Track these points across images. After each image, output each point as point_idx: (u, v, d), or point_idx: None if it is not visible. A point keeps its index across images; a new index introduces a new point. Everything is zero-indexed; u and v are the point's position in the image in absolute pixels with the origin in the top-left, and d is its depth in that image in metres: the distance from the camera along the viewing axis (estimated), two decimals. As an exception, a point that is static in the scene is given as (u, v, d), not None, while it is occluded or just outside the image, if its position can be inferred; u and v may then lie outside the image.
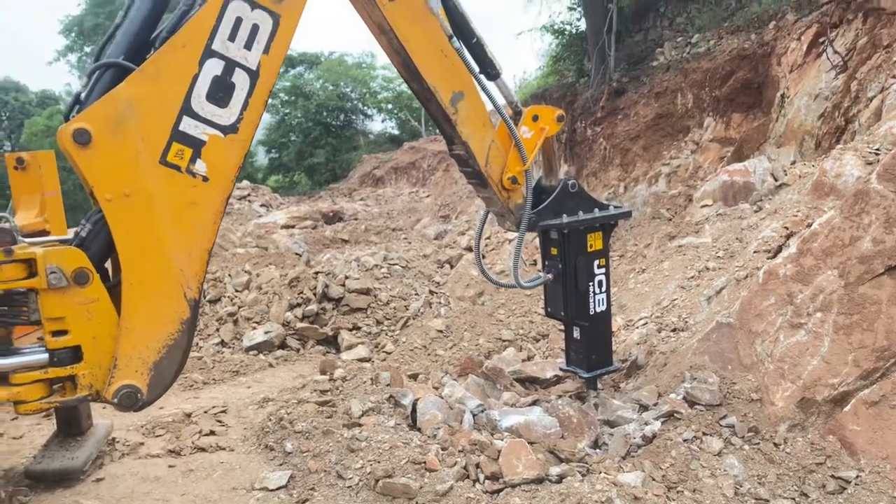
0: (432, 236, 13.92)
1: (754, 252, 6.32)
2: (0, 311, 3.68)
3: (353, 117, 44.60)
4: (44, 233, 4.61)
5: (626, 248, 10.60)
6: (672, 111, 14.56)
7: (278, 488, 4.45)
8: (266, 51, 3.84)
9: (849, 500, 4.15)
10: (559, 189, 5.17)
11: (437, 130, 5.21)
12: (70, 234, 4.09)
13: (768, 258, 5.90)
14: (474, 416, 5.26)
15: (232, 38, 3.75)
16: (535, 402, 5.41)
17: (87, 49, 41.00)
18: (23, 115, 44.07)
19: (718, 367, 5.25)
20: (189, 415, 5.68)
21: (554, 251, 5.38)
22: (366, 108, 44.63)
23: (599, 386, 5.61)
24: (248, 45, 3.80)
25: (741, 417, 4.84)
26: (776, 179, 8.30)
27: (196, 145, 3.68)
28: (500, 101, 5.09)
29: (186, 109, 3.65)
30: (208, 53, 3.68)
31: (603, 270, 5.35)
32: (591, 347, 5.42)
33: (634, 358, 6.11)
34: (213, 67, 3.70)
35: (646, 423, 4.88)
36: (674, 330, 6.23)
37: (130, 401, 3.72)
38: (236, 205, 21.29)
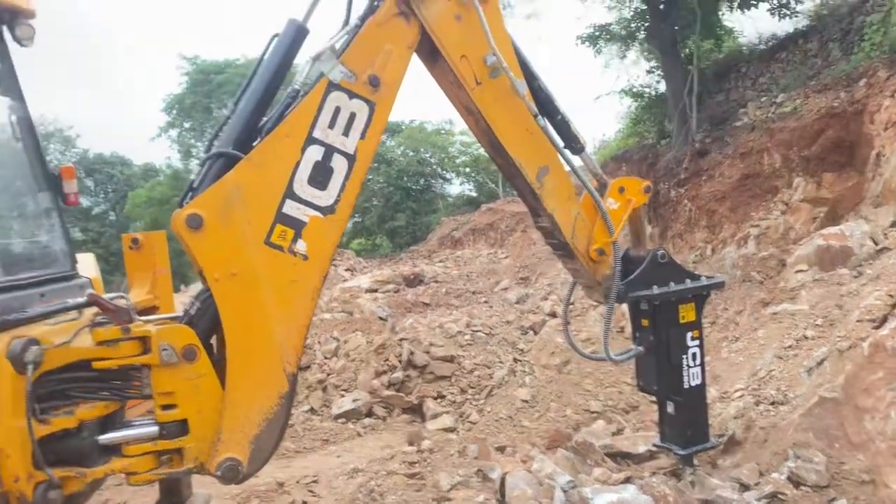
0: (514, 300, 13.89)
1: (857, 321, 6.02)
2: (115, 386, 3.89)
3: (433, 181, 45.61)
4: (154, 309, 4.87)
5: (717, 313, 10.27)
6: (759, 171, 14.23)
7: (371, 564, 4.46)
8: (363, 136, 4.05)
9: None
10: (649, 259, 5.10)
11: (515, 192, 5.24)
12: (178, 311, 4.30)
13: (873, 328, 5.62)
14: (565, 492, 5.14)
15: (332, 125, 3.97)
16: (628, 480, 5.25)
17: (186, 125, 43.87)
18: (127, 188, 47.11)
19: (824, 445, 4.99)
20: (282, 484, 5.80)
21: (645, 323, 5.27)
22: (444, 171, 45.59)
23: (696, 463, 5.40)
24: (346, 132, 4.02)
25: (852, 500, 4.56)
26: (876, 243, 7.93)
27: (298, 226, 3.85)
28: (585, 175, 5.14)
29: (289, 193, 3.84)
30: (310, 141, 3.88)
31: (696, 343, 5.19)
32: (686, 423, 5.22)
33: (732, 433, 5.86)
34: (314, 154, 3.90)
35: (748, 505, 4.65)
36: (773, 403, 5.96)
37: (233, 473, 3.81)
38: (322, 270, 22.01)
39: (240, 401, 3.79)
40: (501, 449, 6.41)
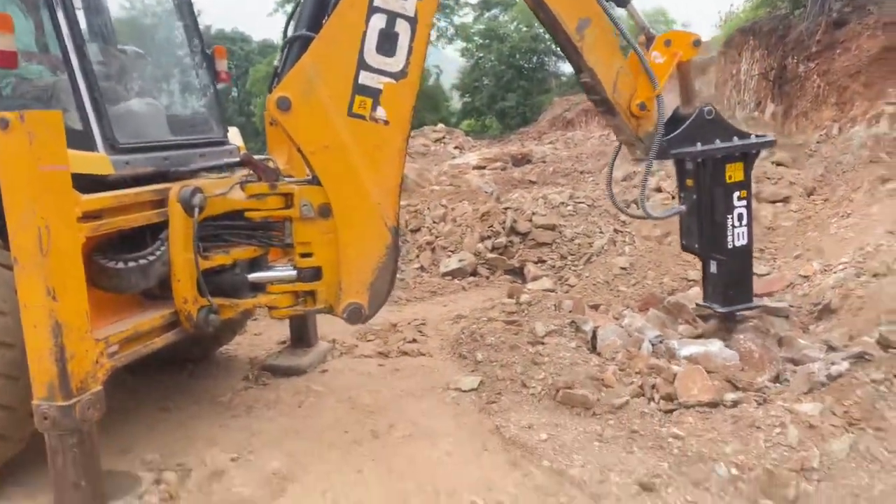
0: (621, 178, 13.82)
1: (978, 196, 5.79)
2: (262, 235, 4.51)
3: (546, 59, 44.09)
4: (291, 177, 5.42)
5: (835, 193, 9.91)
6: (903, 43, 13.00)
7: (470, 390, 5.05)
8: None
9: None
10: (695, 115, 5.00)
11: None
12: None
13: None
14: (653, 345, 5.49)
15: None
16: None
17: None
18: (247, 63, 48.71)
19: (921, 314, 5.01)
20: (395, 325, 6.49)
21: (689, 182, 5.26)
22: (558, 48, 43.98)
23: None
24: None
25: (941, 364, 4.62)
26: None
27: (374, 95, 4.14)
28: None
29: (362, 64, 4.10)
30: (372, 10, 4.06)
31: (744, 203, 5.12)
32: (728, 282, 5.27)
33: (828, 301, 5.93)
34: (378, 22, 4.09)
35: (832, 363, 4.81)
36: (875, 275, 5.93)
37: (356, 315, 4.41)
38: (432, 147, 22.40)
39: (353, 255, 4.29)
40: (595, 307, 6.77)
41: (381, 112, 4.17)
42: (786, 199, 9.27)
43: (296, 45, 4.25)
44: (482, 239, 8.84)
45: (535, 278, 8.27)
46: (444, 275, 8.37)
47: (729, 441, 3.96)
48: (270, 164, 4.52)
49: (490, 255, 8.65)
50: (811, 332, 5.74)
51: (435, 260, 8.65)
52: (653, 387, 4.73)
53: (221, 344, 5.89)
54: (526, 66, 43.31)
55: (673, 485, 3.71)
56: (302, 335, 5.89)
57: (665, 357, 5.26)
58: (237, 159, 4.90)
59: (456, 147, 22.65)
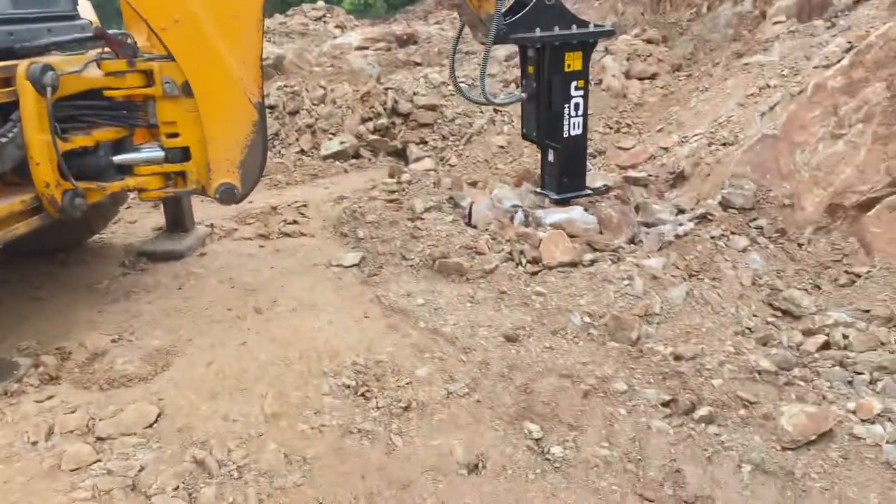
0: (503, 58, 13.88)
1: (814, 67, 6.32)
2: (125, 115, 4.33)
3: (430, -67, 42.32)
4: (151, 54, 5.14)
5: (698, 68, 10.45)
6: (768, -80, 13.40)
7: (352, 265, 5.23)
8: None
9: (856, 290, 4.58)
10: (535, 1, 5.02)
11: None
12: None
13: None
14: (526, 215, 5.81)
15: None
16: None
17: None
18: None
19: (758, 176, 5.56)
20: (275, 207, 6.50)
21: (531, 70, 5.29)
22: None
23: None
24: None
25: (771, 220, 5.22)
26: (857, -7, 7.92)
27: None
28: None
29: None
30: None
31: (581, 93, 5.25)
32: (562, 170, 5.48)
33: (682, 169, 6.44)
34: None
35: (680, 224, 5.32)
36: (724, 144, 6.44)
37: (229, 195, 4.38)
38: (311, 25, 21.31)
39: (217, 134, 4.21)
40: (473, 184, 7.02)
41: None
42: (653, 76, 9.70)
43: None
44: (363, 121, 8.79)
45: (417, 159, 8.39)
46: (326, 157, 8.33)
47: (584, 294, 4.40)
48: (128, 41, 4.29)
49: (372, 137, 8.65)
50: (666, 198, 6.24)
51: (315, 143, 8.55)
52: (521, 252, 5.07)
53: (94, 232, 5.72)
54: (410, -61, 41.38)
55: (534, 335, 4.11)
56: (178, 220, 5.80)
57: (533, 226, 5.62)
58: (89, 34, 4.60)
59: (337, 26, 21.67)
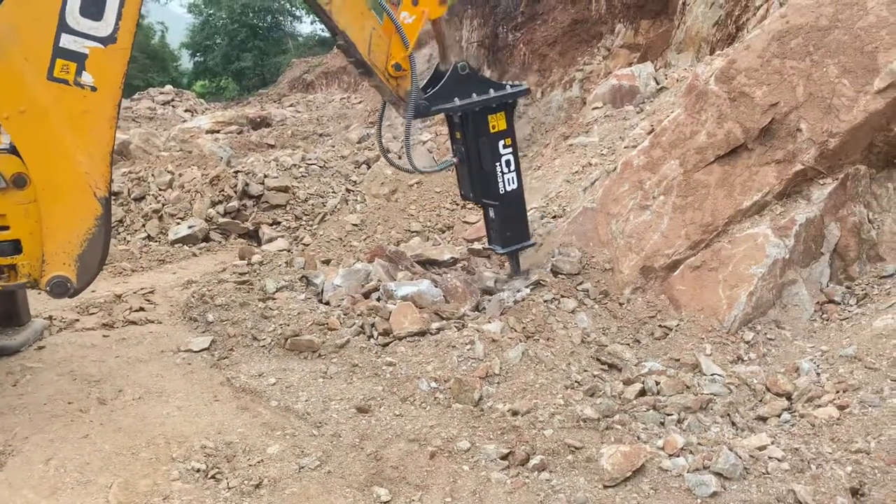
0: (356, 140, 14.39)
1: (624, 147, 7.19)
2: None
3: (281, 18, 43.23)
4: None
5: (533, 149, 11.40)
6: (587, 17, 15.10)
7: (201, 350, 5.20)
8: None
9: (670, 342, 5.18)
10: (449, 73, 5.33)
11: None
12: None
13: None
14: (376, 289, 6.06)
15: None
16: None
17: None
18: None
19: (582, 245, 6.18)
20: (119, 295, 6.33)
21: (458, 135, 5.58)
22: (294, 8, 43.27)
23: (525, 268, 5.99)
24: None
25: (595, 283, 5.80)
26: (658, 83, 9.13)
27: (79, 59, 4.01)
28: None
29: (63, 26, 3.94)
30: None
31: (510, 150, 5.52)
32: (504, 225, 5.74)
33: (518, 241, 6.99)
34: None
35: (517, 290, 5.78)
36: (554, 216, 7.11)
37: (62, 289, 4.28)
38: (159, 110, 21.05)
39: (56, 227, 4.16)
40: (327, 262, 7.21)
41: (87, 77, 4.05)
42: (493, 156, 10.45)
43: None
44: (213, 204, 8.81)
45: (270, 240, 8.49)
46: (174, 242, 8.23)
47: (431, 361, 4.66)
48: None
49: (222, 220, 8.67)
50: (506, 267, 6.73)
51: (163, 228, 8.44)
52: (372, 325, 5.29)
53: (-86, 332, 5.31)
54: (260, 24, 42.06)
55: (385, 404, 4.30)
56: (11, 314, 5.50)
57: (384, 299, 5.87)
58: None
59: (187, 110, 21.53)
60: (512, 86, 5.59)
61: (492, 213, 5.77)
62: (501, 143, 5.47)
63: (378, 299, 5.89)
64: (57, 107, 4.02)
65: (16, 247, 4.17)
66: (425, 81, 5.45)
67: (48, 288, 4.23)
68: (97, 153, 4.22)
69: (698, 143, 5.80)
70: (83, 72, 4.04)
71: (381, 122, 5.98)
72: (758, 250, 5.22)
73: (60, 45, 3.95)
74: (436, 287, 5.89)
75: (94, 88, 4.09)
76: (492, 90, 5.41)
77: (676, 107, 7.51)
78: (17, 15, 3.87)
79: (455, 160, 5.63)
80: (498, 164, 5.49)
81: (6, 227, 4.13)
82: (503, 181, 5.56)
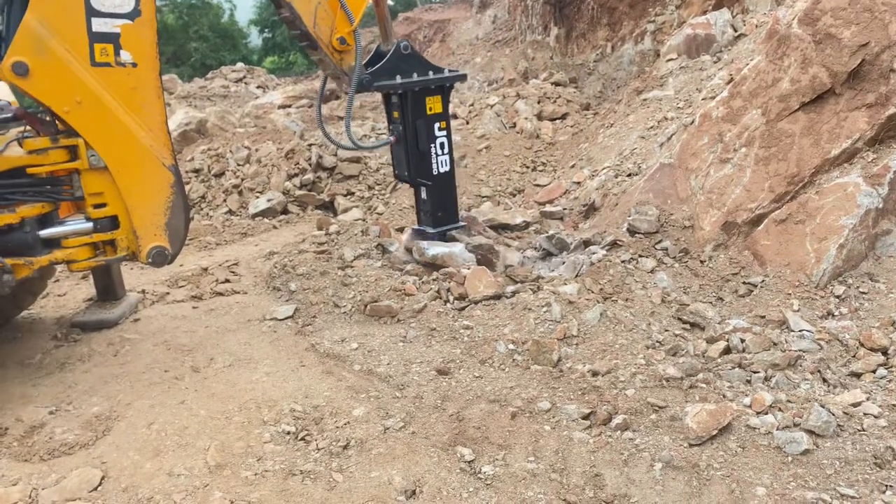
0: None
1: (702, 99, 6.92)
2: (47, 190, 4.43)
3: (346, -10, 43.38)
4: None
5: (605, 106, 11.12)
6: (658, -34, 14.48)
7: (286, 318, 5.38)
8: None
9: (755, 299, 5.02)
10: (392, 51, 5.41)
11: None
12: None
13: (711, 104, 6.51)
14: (409, 250, 6.03)
15: None
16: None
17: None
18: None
19: (660, 202, 6.03)
20: (206, 269, 6.60)
21: (396, 114, 5.65)
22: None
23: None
24: None
25: (674, 241, 5.66)
26: (735, 30, 8.70)
27: (113, 39, 4.13)
28: None
29: (91, 11, 4.06)
30: None
31: (444, 133, 5.64)
32: (436, 206, 5.82)
33: (592, 201, 6.89)
34: None
35: (592, 252, 5.70)
36: (629, 175, 6.95)
37: (161, 258, 4.52)
38: (232, 87, 21.57)
39: (137, 202, 4.37)
40: (401, 229, 7.29)
41: (125, 55, 4.18)
42: (563, 116, 10.29)
43: (16, 5, 4.06)
44: (290, 177, 9.02)
45: (345, 210, 8.64)
46: (255, 216, 8.49)
47: (507, 323, 4.68)
48: (47, 119, 4.43)
49: (299, 193, 8.87)
50: (580, 229, 6.65)
51: (243, 203, 8.71)
52: (448, 290, 5.34)
53: (22, 308, 5.70)
54: (326, -2, 42.27)
55: (464, 366, 4.35)
56: (108, 288, 5.85)
57: (416, 255, 5.87)
58: (10, 115, 4.72)
59: (259, 87, 21.99)
60: (450, 70, 5.69)
61: (424, 194, 5.87)
62: (437, 125, 5.58)
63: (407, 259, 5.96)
64: (108, 90, 4.15)
65: (114, 222, 4.41)
66: (366, 59, 5.47)
67: (150, 259, 4.46)
68: (154, 124, 4.37)
69: (781, 91, 5.52)
70: (121, 51, 4.17)
71: (320, 99, 6.04)
72: (848, 200, 4.96)
73: (94, 29, 4.07)
74: (468, 251, 5.84)
75: (134, 64, 4.22)
76: (431, 72, 5.51)
77: (756, 54, 7.17)
78: (46, 10, 3.97)
79: (392, 139, 5.70)
80: (433, 145, 5.60)
81: (104, 205, 4.36)
82: (437, 163, 5.67)
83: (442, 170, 5.69)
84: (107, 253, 4.54)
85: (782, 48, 5.59)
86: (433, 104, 5.54)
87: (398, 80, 5.36)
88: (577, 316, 4.65)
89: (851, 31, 5.23)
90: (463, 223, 6.09)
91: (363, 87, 5.33)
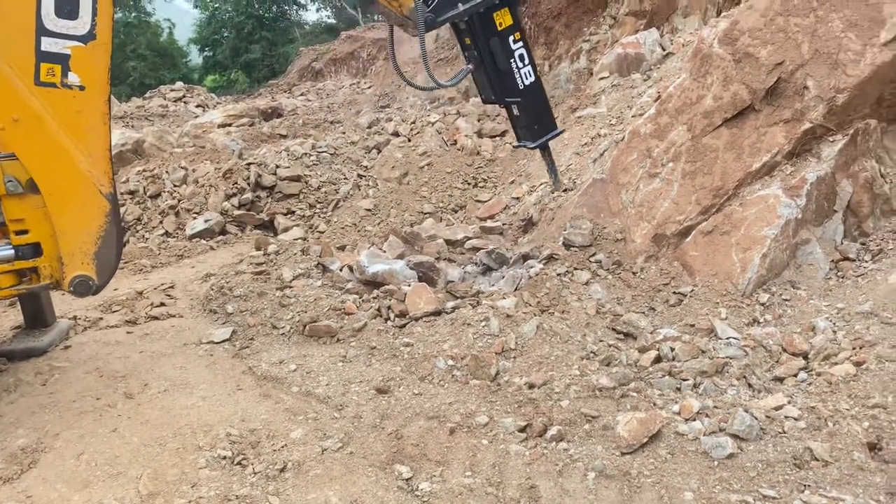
0: (366, 125, 14.41)
1: (632, 116, 7.14)
2: None
3: (287, 8, 43.17)
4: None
5: (543, 123, 11.31)
6: (592, -14, 14.90)
7: (223, 341, 5.30)
8: None
9: (685, 308, 5.18)
10: None
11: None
12: None
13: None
14: (351, 269, 6.06)
15: None
16: (401, 257, 6.27)
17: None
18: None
19: (593, 216, 6.18)
20: (141, 292, 6.45)
21: (468, 41, 5.47)
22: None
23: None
24: None
25: (608, 254, 5.81)
26: (664, 49, 9.02)
27: (62, 60, 4.05)
28: None
29: (42, 30, 3.97)
30: None
31: (521, 44, 5.39)
32: (531, 119, 5.62)
33: (530, 216, 7.01)
34: None
35: (531, 266, 5.80)
36: (564, 190, 7.10)
37: (84, 288, 4.39)
38: (171, 107, 21.19)
39: (67, 227, 4.25)
40: (342, 248, 7.29)
41: (73, 77, 4.10)
42: (503, 133, 10.44)
43: None
44: (228, 197, 8.90)
45: (285, 229, 8.57)
46: (192, 237, 8.34)
47: (447, 339, 4.72)
48: None
49: (238, 213, 8.76)
50: (519, 243, 6.76)
51: (180, 224, 8.56)
52: (388, 307, 5.36)
53: (-57, 339, 5.47)
54: (266, 15, 42.04)
55: (403, 384, 4.36)
56: (37, 315, 5.65)
57: (357, 273, 5.87)
58: None
59: (198, 105, 21.65)
60: None
61: (516, 111, 5.63)
62: (511, 38, 5.34)
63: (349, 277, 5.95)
64: (49, 111, 4.06)
65: (36, 249, 4.28)
66: None
67: (71, 288, 4.34)
68: (96, 151, 4.27)
69: (705, 108, 5.75)
70: (69, 72, 4.08)
71: (392, 48, 5.72)
72: (769, 211, 5.19)
73: (42, 48, 3.98)
74: (408, 269, 5.89)
75: (82, 88, 4.13)
76: None
77: (682, 72, 7.43)
78: None
79: (471, 67, 5.49)
80: (512, 60, 5.37)
81: (26, 231, 4.24)
82: (520, 76, 5.42)
83: (527, 81, 5.40)
84: (31, 281, 4.41)
85: (705, 66, 5.83)
86: (502, 18, 5.26)
87: (460, 7, 5.12)
88: (514, 329, 4.72)
89: (768, 51, 5.49)
90: (562, 129, 5.73)
91: (431, 26, 5.10)
